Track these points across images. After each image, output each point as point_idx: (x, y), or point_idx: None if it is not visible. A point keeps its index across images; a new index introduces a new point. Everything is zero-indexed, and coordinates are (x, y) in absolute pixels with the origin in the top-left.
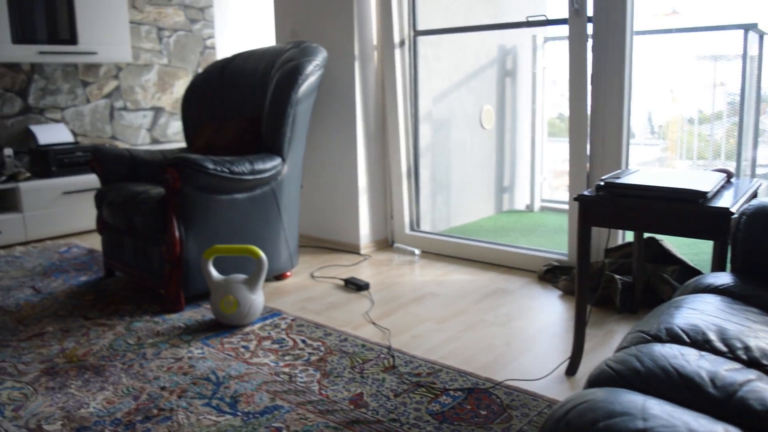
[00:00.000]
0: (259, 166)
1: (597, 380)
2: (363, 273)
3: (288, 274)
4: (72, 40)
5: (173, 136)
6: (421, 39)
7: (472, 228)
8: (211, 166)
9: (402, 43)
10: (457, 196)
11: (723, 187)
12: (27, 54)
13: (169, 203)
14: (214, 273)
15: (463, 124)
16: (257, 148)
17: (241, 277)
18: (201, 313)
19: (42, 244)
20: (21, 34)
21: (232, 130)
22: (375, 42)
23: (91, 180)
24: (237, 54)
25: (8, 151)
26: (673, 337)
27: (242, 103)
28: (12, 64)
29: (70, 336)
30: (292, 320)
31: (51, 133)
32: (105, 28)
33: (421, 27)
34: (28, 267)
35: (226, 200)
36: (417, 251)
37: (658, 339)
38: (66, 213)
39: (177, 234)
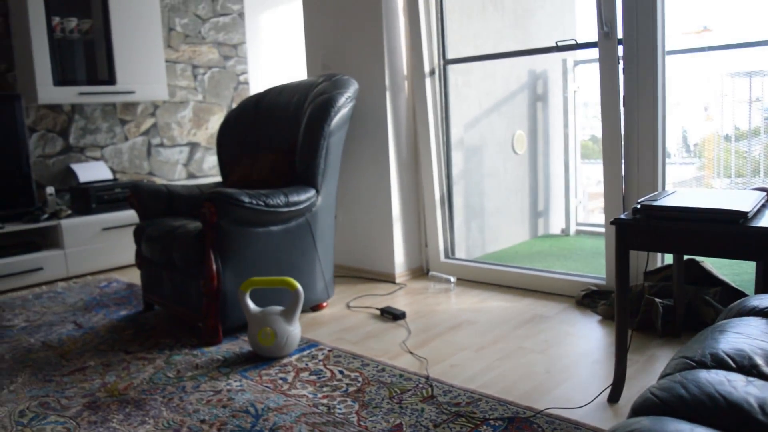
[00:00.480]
0: (294, 198)
1: (641, 408)
2: (399, 302)
3: (324, 304)
4: (110, 80)
5: (209, 170)
6: (451, 67)
7: (508, 254)
8: (246, 199)
9: (432, 72)
10: (491, 223)
11: (764, 206)
12: (68, 95)
13: (206, 237)
14: (251, 305)
15: (495, 149)
16: (291, 181)
17: (278, 308)
18: (239, 345)
19: (83, 280)
20: (62, 77)
21: (266, 164)
22: (405, 72)
23: (130, 216)
24: (270, 88)
25: (50, 190)
26: (719, 363)
27: (276, 137)
28: (54, 105)
29: (111, 370)
30: (329, 351)
31: (91, 171)
32: (142, 68)
33: (450, 55)
34: (69, 302)
35: (262, 233)
36: (452, 279)
37: (702, 365)
38: (106, 249)
39: (214, 267)
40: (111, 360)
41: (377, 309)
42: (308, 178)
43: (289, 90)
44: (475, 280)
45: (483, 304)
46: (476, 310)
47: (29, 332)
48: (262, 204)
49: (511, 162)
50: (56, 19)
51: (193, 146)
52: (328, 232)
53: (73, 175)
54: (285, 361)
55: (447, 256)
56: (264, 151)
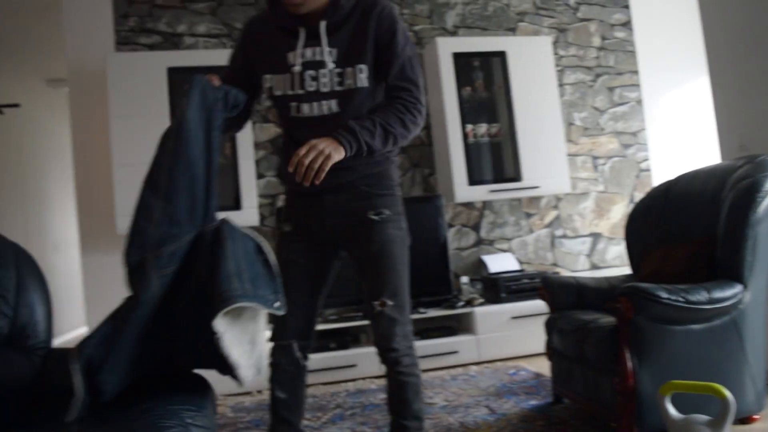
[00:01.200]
0: (717, 294)
1: None
2: None
3: (755, 417)
4: (517, 177)
5: (612, 261)
6: None
7: None
8: (664, 295)
9: None
10: None
11: None
12: (480, 193)
13: (620, 333)
14: (672, 411)
15: None
16: (712, 275)
17: (704, 418)
18: None
19: (493, 365)
20: (474, 177)
21: (681, 256)
22: None
23: (537, 306)
24: (680, 175)
25: (464, 279)
26: None
27: (691, 227)
28: (467, 203)
29: None
30: None
31: (500, 262)
32: (545, 164)
33: None
34: (482, 386)
35: (681, 331)
36: None
37: None
38: (514, 336)
39: (629, 365)
40: None
41: None
42: (732, 272)
43: (703, 175)
44: None
45: None
46: None
47: (448, 411)
48: (682, 300)
49: None
50: (469, 126)
51: (596, 237)
52: (758, 333)
53: (484, 265)
54: None
55: None
56: (677, 242)
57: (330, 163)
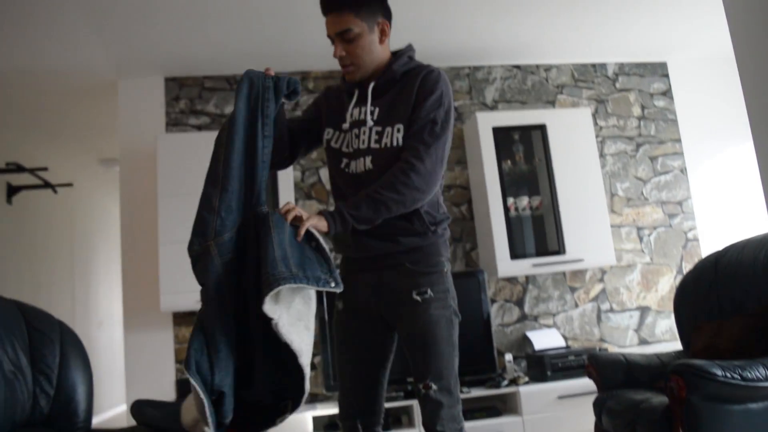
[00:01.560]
0: None
1: None
2: None
3: None
4: (560, 250)
5: (662, 335)
6: None
7: None
8: (719, 372)
9: None
10: None
11: None
12: (522, 268)
13: (674, 414)
14: None
15: None
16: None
17: None
18: None
19: None
20: (516, 251)
21: (734, 330)
22: None
23: (585, 384)
24: (729, 246)
25: (508, 357)
26: None
27: (743, 299)
28: (510, 277)
29: None
30: None
31: (545, 338)
32: (588, 236)
33: None
34: None
35: (739, 411)
36: None
37: None
38: (562, 417)
39: None
40: None
41: None
42: None
43: (753, 245)
44: None
45: None
46: None
47: None
48: (738, 377)
49: None
50: (510, 200)
51: (644, 310)
52: None
53: (528, 342)
54: None
55: None
56: (730, 315)
57: (304, 227)
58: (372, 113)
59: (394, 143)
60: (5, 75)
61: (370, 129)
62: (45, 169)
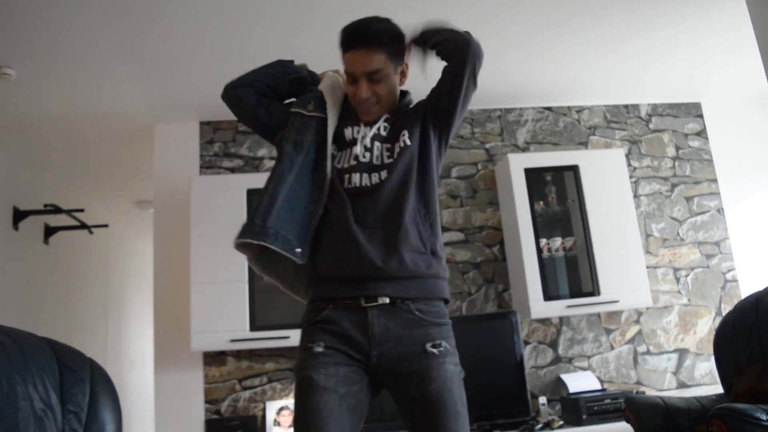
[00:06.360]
0: None
1: None
2: None
3: None
4: (594, 292)
5: (701, 378)
6: None
7: None
8: (764, 417)
9: None
10: None
11: None
12: (556, 309)
13: None
14: None
15: None
16: None
17: None
18: None
19: None
20: (550, 292)
21: None
22: None
23: (621, 428)
24: None
25: (542, 400)
26: None
27: None
28: (544, 319)
29: None
30: None
31: (580, 381)
32: (624, 278)
33: None
34: None
35: None
36: None
37: None
38: None
39: None
40: None
41: None
42: None
43: None
44: None
45: None
46: None
47: None
48: None
49: None
50: (543, 241)
51: (682, 352)
52: None
53: (563, 385)
54: None
55: None
56: None
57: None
58: (384, 128)
59: (403, 144)
60: (45, 119)
61: (382, 144)
62: (81, 210)
